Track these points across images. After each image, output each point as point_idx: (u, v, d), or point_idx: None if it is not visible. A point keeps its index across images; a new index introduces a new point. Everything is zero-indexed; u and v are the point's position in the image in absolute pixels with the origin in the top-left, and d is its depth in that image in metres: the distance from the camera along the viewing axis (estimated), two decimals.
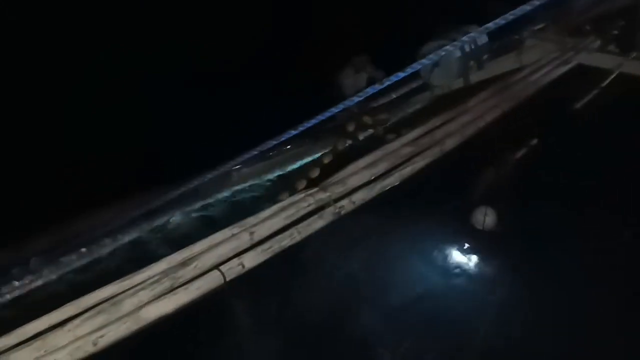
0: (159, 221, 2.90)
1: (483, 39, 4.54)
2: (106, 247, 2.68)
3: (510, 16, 3.57)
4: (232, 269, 2.48)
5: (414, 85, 4.55)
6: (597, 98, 3.79)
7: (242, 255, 2.52)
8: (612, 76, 3.95)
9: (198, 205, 2.98)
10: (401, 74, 3.27)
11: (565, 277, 2.80)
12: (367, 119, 4.15)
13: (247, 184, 3.30)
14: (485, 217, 3.07)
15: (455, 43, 4.28)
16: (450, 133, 3.56)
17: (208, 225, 2.80)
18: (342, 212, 2.89)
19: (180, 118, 4.15)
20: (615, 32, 4.42)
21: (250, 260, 2.53)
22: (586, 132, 3.59)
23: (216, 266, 2.46)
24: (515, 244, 3.01)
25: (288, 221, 2.75)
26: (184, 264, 2.46)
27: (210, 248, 2.52)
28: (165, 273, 2.42)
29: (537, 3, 3.25)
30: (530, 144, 3.55)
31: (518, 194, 3.27)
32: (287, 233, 2.70)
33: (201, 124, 3.89)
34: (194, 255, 2.49)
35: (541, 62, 4.27)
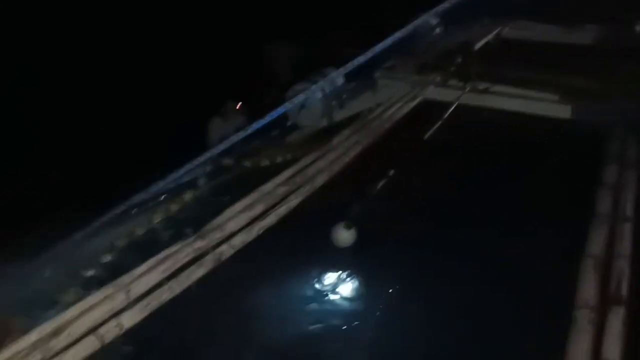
0: (24, 291, 2.70)
1: (340, 80, 4.93)
2: None
3: (362, 59, 3.93)
4: (110, 331, 2.40)
5: (283, 126, 4.78)
6: (441, 129, 4.26)
7: (119, 316, 2.44)
8: (452, 108, 4.47)
9: (67, 267, 2.84)
10: (267, 119, 3.45)
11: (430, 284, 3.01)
12: (240, 162, 4.27)
13: (118, 240, 3.21)
14: (344, 233, 3.27)
15: (317, 85, 4.66)
16: (320, 170, 3.79)
17: (83, 288, 2.67)
18: (223, 258, 2.93)
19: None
20: (453, 67, 5.02)
21: (129, 319, 2.46)
22: (435, 160, 4.02)
23: (91, 330, 2.36)
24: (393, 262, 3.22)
25: (166, 274, 2.72)
26: (56, 333, 2.33)
27: (83, 312, 2.41)
28: (34, 346, 2.27)
29: (385, 46, 3.60)
30: (389, 175, 3.87)
31: (386, 220, 3.54)
32: (165, 287, 2.67)
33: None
34: (66, 322, 2.37)
35: (393, 99, 4.72)
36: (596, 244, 2.66)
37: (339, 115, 4.89)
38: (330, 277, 3.25)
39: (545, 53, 4.97)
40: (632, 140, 3.75)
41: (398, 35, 2.79)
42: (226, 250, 2.96)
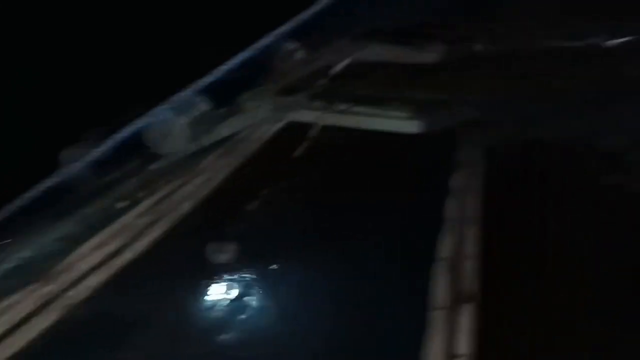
0: None
1: (205, 105, 4.85)
2: None
3: (210, 78, 3.87)
4: None
5: (145, 154, 4.57)
6: (308, 149, 4.36)
7: None
8: (318, 128, 4.60)
9: None
10: (112, 144, 3.25)
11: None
12: (97, 194, 3.98)
13: None
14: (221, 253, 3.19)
15: (177, 110, 4.55)
16: (185, 197, 3.67)
17: None
18: (74, 302, 2.69)
19: None
20: (315, 90, 5.17)
21: None
22: (304, 180, 4.08)
23: None
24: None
25: (8, 326, 2.43)
26: None
27: None
28: None
29: (233, 65, 3.59)
30: (260, 196, 3.86)
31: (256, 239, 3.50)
32: (8, 341, 2.38)
33: None
34: None
35: (259, 122, 4.74)
36: (446, 246, 2.85)
37: (205, 140, 4.79)
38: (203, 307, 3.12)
39: (396, 71, 5.34)
40: (475, 149, 4.12)
41: (244, 55, 2.83)
42: (78, 293, 2.72)
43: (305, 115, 4.81)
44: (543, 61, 5.30)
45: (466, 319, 2.38)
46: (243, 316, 2.95)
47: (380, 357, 2.40)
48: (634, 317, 2.57)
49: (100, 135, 4.62)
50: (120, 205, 3.72)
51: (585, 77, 4.81)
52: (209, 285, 3.13)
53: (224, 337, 2.77)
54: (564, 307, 2.67)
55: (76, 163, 3.88)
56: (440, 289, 2.55)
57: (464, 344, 2.26)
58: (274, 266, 3.24)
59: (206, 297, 3.08)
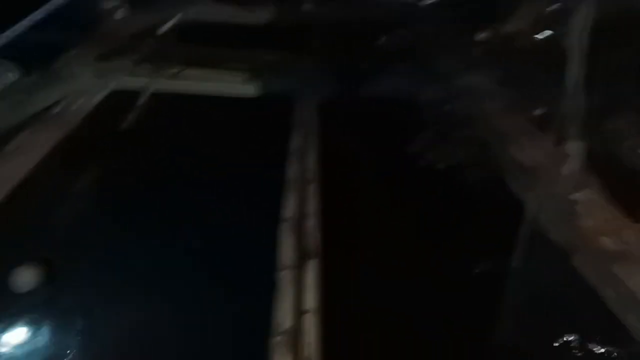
0: None
1: (15, 75, 4.24)
2: None
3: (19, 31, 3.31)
4: None
5: None
6: (138, 117, 4.07)
7: None
8: (147, 95, 4.31)
9: None
10: None
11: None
12: None
13: None
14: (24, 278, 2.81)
15: None
16: None
17: None
18: None
19: None
20: (141, 53, 4.81)
21: None
22: (135, 150, 3.82)
23: None
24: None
25: None
26: None
27: None
28: None
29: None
30: (84, 176, 3.54)
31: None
32: None
33: None
34: None
35: (81, 90, 4.29)
36: (289, 207, 2.93)
37: (17, 115, 4.20)
38: None
39: (229, 33, 5.20)
40: (312, 109, 4.24)
41: (47, 10, 2.50)
42: None
43: (131, 82, 4.47)
44: (368, 20, 5.58)
45: (311, 276, 2.49)
46: None
47: (232, 318, 2.44)
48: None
49: None
50: None
51: (408, 35, 5.17)
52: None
53: None
54: (398, 258, 2.92)
55: None
56: (286, 248, 2.63)
57: (310, 300, 2.38)
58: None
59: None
